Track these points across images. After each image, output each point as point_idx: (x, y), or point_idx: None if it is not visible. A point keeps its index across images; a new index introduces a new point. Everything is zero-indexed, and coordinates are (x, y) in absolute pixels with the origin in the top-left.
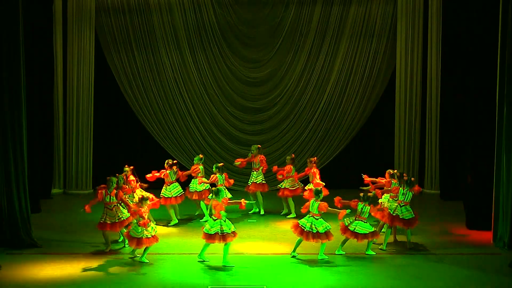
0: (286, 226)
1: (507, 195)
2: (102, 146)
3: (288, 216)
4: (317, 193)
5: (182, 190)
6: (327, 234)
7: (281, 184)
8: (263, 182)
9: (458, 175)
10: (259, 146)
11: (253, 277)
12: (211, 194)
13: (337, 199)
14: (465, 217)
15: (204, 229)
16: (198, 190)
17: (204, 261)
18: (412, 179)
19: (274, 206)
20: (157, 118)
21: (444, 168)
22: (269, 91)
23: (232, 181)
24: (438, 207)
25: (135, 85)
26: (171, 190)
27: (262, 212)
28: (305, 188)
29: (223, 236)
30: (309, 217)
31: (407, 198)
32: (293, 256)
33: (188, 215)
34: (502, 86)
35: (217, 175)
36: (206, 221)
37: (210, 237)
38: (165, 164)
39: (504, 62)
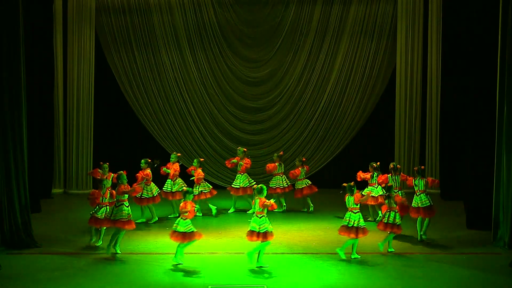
0: (286, 226)
1: (507, 195)
2: (102, 146)
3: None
4: (350, 188)
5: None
6: (358, 230)
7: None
8: (250, 184)
9: (458, 175)
10: (245, 149)
11: (253, 277)
12: (254, 192)
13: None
14: (465, 217)
15: (251, 227)
16: (173, 191)
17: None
18: (422, 167)
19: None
20: (157, 117)
21: (444, 168)
22: (269, 90)
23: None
24: (438, 207)
25: (135, 84)
26: (152, 189)
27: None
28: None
29: (264, 234)
30: (347, 212)
31: (421, 186)
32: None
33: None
34: (502, 86)
35: (200, 169)
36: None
37: (252, 234)
38: (144, 164)
39: (504, 62)
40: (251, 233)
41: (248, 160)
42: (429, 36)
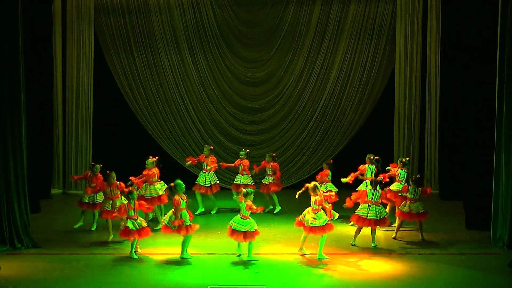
0: (286, 225)
1: (507, 194)
2: (102, 146)
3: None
4: (376, 183)
5: None
6: (384, 220)
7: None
8: (216, 182)
9: (457, 174)
10: (212, 147)
11: (253, 277)
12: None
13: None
14: (464, 217)
15: (316, 223)
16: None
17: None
18: (418, 176)
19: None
20: (156, 118)
21: (443, 167)
22: (268, 91)
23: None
24: (437, 207)
25: (135, 85)
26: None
27: (213, 212)
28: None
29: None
30: (369, 205)
31: (417, 195)
32: (353, 245)
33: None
34: (501, 86)
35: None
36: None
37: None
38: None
39: (504, 60)
40: (313, 228)
41: (214, 158)
42: (428, 36)
